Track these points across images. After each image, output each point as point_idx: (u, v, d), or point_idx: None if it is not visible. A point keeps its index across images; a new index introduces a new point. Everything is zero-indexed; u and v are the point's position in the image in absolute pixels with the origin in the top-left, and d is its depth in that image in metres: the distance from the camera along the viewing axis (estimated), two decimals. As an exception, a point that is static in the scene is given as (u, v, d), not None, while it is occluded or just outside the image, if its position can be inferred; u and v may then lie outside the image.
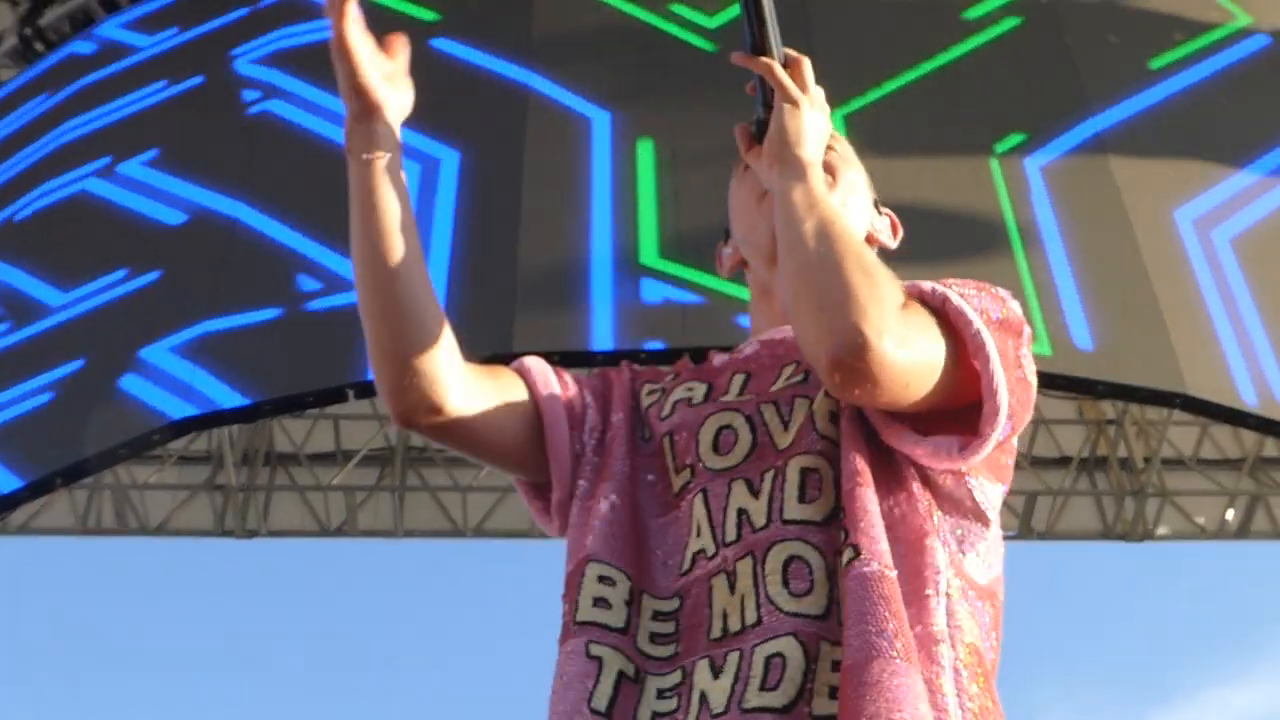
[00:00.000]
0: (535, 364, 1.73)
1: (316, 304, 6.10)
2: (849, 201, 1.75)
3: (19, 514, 8.75)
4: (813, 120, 1.62)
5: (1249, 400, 5.98)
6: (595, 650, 1.49)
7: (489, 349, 5.10)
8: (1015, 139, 6.69)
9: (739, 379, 1.68)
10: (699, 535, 1.56)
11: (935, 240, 5.22)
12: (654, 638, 1.52)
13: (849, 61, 6.68)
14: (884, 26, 7.21)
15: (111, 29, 8.06)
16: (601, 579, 1.54)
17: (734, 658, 1.45)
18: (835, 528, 1.50)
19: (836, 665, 1.42)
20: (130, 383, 6.03)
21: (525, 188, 6.44)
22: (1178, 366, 5.95)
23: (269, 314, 6.17)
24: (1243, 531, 9.73)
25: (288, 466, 9.66)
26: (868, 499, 1.48)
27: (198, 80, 7.35)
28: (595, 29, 7.25)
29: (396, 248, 1.57)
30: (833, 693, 1.40)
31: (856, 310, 1.43)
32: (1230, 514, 9.73)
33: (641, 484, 1.64)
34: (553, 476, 1.68)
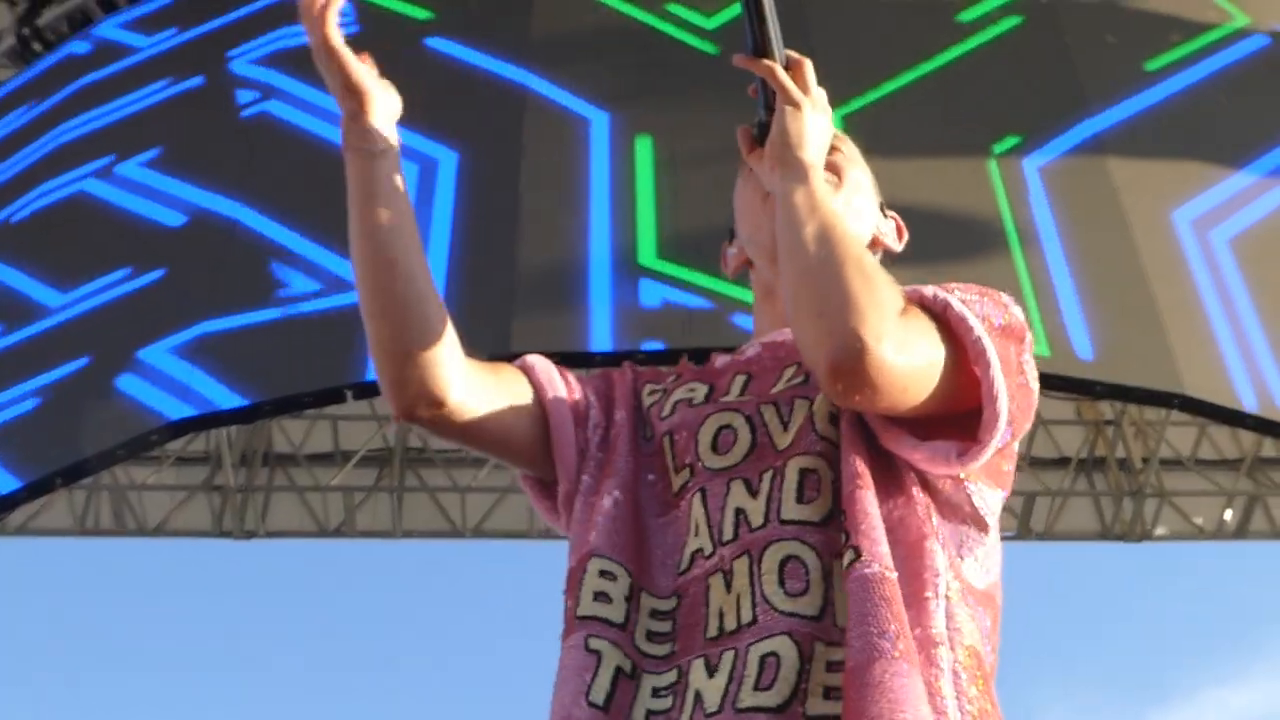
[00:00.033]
0: (538, 361, 1.74)
1: (315, 305, 6.10)
2: (854, 202, 1.75)
3: (18, 514, 8.74)
4: (815, 122, 1.62)
5: (1247, 401, 5.99)
6: (594, 644, 1.50)
7: (488, 350, 5.07)
8: (1013, 140, 6.70)
9: (740, 380, 1.68)
10: (697, 534, 1.57)
11: (933, 241, 5.22)
12: (651, 636, 1.53)
13: (847, 62, 6.68)
14: (882, 27, 7.21)
15: (109, 29, 8.06)
16: (603, 573, 1.55)
17: (729, 657, 1.46)
18: (833, 529, 1.50)
19: (831, 665, 1.42)
20: (129, 383, 6.03)
21: (523, 188, 6.44)
22: (1176, 367, 5.95)
23: (267, 315, 6.17)
24: (1241, 532, 9.73)
25: (286, 467, 9.65)
26: (868, 501, 1.48)
27: (196, 81, 7.35)
28: (594, 29, 7.25)
29: (396, 244, 1.58)
30: (827, 693, 1.41)
31: (855, 315, 1.43)
32: (1228, 514, 9.73)
33: (643, 483, 1.64)
34: (558, 470, 1.68)
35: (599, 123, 6.71)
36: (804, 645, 1.43)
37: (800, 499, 1.53)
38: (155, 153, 7.00)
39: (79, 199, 6.96)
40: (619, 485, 1.62)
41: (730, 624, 1.48)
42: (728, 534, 1.54)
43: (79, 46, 8.08)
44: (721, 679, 1.44)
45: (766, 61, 1.62)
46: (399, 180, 1.59)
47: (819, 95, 1.63)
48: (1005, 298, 1.58)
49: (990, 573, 1.58)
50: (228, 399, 5.92)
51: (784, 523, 1.51)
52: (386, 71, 1.60)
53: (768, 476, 1.56)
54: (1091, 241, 6.35)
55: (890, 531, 1.48)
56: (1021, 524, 9.48)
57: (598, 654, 1.49)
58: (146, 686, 19.76)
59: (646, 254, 6.18)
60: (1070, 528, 9.70)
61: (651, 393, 1.75)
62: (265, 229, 6.46)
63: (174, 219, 6.68)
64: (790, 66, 1.63)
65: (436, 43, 7.10)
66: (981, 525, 1.58)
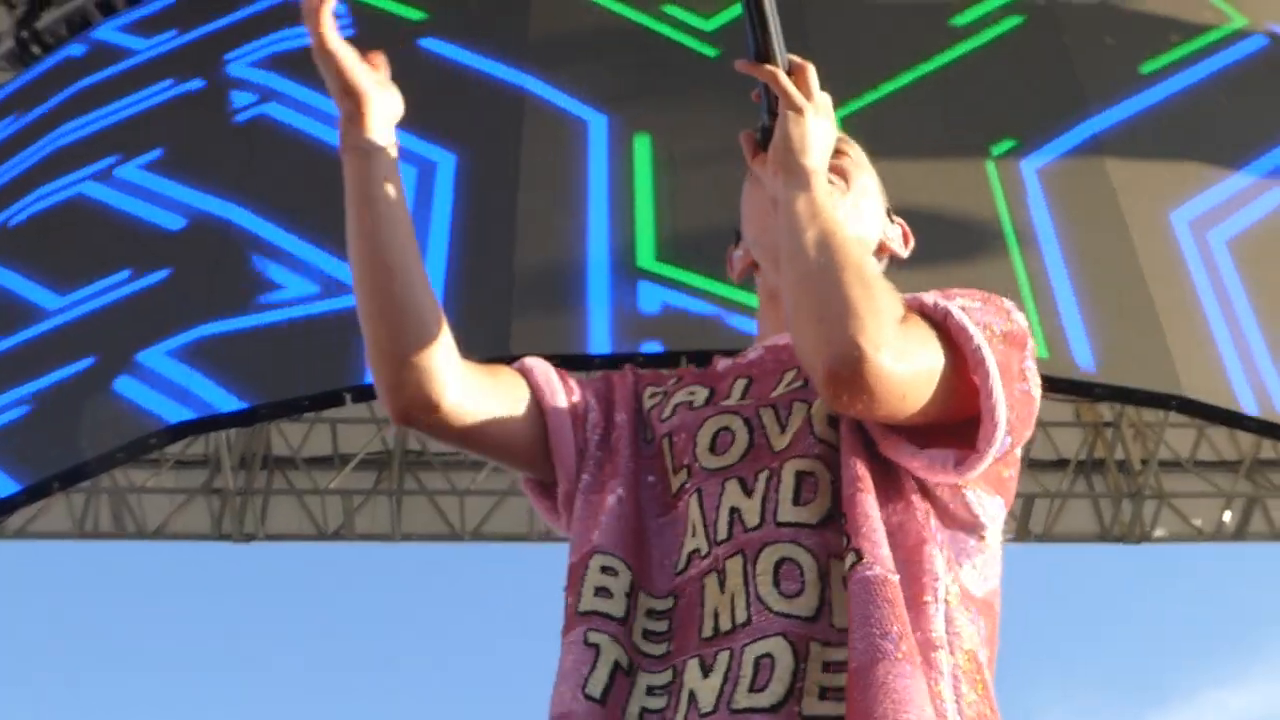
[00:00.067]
0: (537, 363, 1.74)
1: (314, 308, 6.09)
2: (861, 205, 1.75)
3: (16, 518, 8.74)
4: (817, 127, 1.61)
5: (1245, 402, 5.98)
6: (593, 638, 1.50)
7: (486, 352, 5.07)
8: (1012, 141, 6.69)
9: (741, 384, 1.69)
10: (694, 535, 1.57)
11: (932, 243, 5.20)
12: (647, 634, 1.53)
13: (845, 64, 6.68)
14: (881, 29, 7.21)
15: (108, 32, 8.06)
16: (605, 569, 1.55)
17: (724, 657, 1.46)
18: (830, 530, 1.50)
19: (828, 666, 1.43)
20: (127, 386, 6.03)
21: (522, 190, 6.44)
22: (1174, 368, 5.95)
23: (266, 318, 6.17)
24: (1240, 533, 9.74)
25: (285, 470, 9.66)
26: (869, 504, 1.48)
27: (195, 83, 7.35)
28: (591, 31, 7.25)
29: (393, 246, 1.58)
30: (823, 693, 1.41)
31: (854, 323, 1.43)
32: (1227, 516, 9.73)
33: (643, 484, 1.64)
34: (558, 471, 1.68)
35: (597, 125, 6.71)
36: (799, 646, 1.43)
37: (797, 501, 1.53)
38: (154, 155, 7.00)
39: (77, 202, 6.96)
40: (622, 484, 1.62)
41: (725, 624, 1.48)
42: (722, 533, 1.54)
43: (76, 49, 8.08)
44: (716, 679, 1.45)
45: (769, 67, 1.61)
46: (396, 182, 1.59)
47: (822, 100, 1.63)
48: (1007, 304, 1.57)
49: (989, 580, 1.58)
50: (227, 402, 5.91)
51: (780, 525, 1.51)
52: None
53: (763, 477, 1.56)
54: (1090, 243, 6.35)
55: (890, 536, 1.48)
56: (1020, 526, 9.48)
57: (596, 648, 1.50)
58: (146, 689, 19.76)
59: (645, 256, 6.18)
60: (1069, 529, 9.70)
61: (652, 395, 1.75)
62: (264, 231, 6.46)
63: (173, 222, 6.67)
64: (793, 71, 1.62)
65: (431, 44, 7.09)
66: (981, 533, 1.58)
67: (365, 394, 5.89)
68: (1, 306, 6.63)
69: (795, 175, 1.58)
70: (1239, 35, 7.40)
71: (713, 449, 1.61)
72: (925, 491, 1.55)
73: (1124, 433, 9.56)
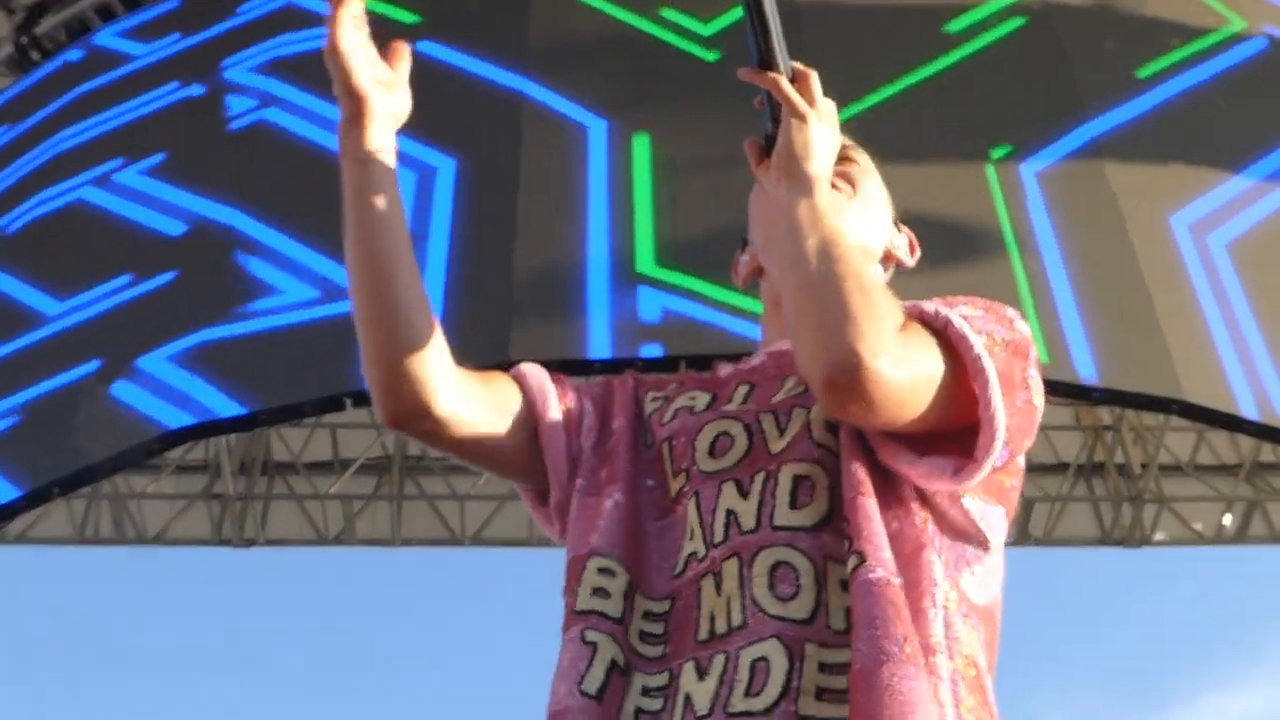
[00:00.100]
0: (532, 369, 1.73)
1: (313, 313, 6.09)
2: (870, 210, 1.75)
3: (16, 523, 8.73)
4: (821, 134, 1.60)
5: (1245, 406, 5.98)
6: (591, 636, 1.51)
7: (485, 358, 5.07)
8: (1011, 145, 6.69)
9: (743, 390, 1.69)
10: (692, 538, 1.57)
11: (931, 247, 5.20)
12: (644, 636, 1.53)
13: (844, 68, 6.68)
14: (880, 33, 7.21)
15: (106, 38, 8.07)
16: (602, 570, 1.55)
17: (720, 660, 1.46)
18: (827, 534, 1.50)
19: (825, 667, 1.43)
20: (127, 392, 6.03)
21: (521, 195, 6.44)
22: (1174, 372, 5.95)
23: (266, 323, 6.17)
24: (1240, 537, 9.73)
25: (285, 475, 9.65)
26: (870, 508, 1.48)
27: (194, 89, 7.35)
28: (590, 35, 7.25)
29: (389, 252, 1.57)
30: (820, 694, 1.41)
31: (853, 330, 1.42)
32: (1227, 519, 9.73)
33: (641, 488, 1.64)
34: (550, 479, 1.68)
35: (597, 129, 6.71)
36: (793, 647, 1.43)
37: (794, 504, 1.53)
38: (153, 161, 7.00)
39: (77, 207, 6.96)
40: (621, 489, 1.62)
41: (721, 627, 1.49)
42: (718, 535, 1.54)
43: (75, 55, 8.08)
44: (712, 682, 1.45)
45: (771, 74, 1.61)
46: (393, 189, 1.58)
47: (826, 106, 1.62)
48: (1010, 312, 1.56)
49: (990, 589, 1.57)
50: (226, 407, 5.91)
51: (776, 528, 1.51)
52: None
53: (759, 479, 1.56)
54: (1090, 246, 6.35)
55: (889, 540, 1.48)
56: (1021, 529, 9.47)
57: (594, 646, 1.50)
58: (146, 690, 19.76)
59: (645, 261, 6.18)
60: (1069, 533, 9.70)
61: (654, 400, 1.75)
62: (264, 236, 6.46)
63: (173, 227, 6.67)
64: (796, 78, 1.62)
65: (426, 47, 7.09)
66: (981, 542, 1.57)
67: (365, 399, 5.88)
68: (1, 312, 6.63)
69: (797, 181, 1.57)
70: (1238, 38, 7.40)
71: (712, 453, 1.61)
72: (924, 499, 1.54)
73: (1124, 436, 9.56)
